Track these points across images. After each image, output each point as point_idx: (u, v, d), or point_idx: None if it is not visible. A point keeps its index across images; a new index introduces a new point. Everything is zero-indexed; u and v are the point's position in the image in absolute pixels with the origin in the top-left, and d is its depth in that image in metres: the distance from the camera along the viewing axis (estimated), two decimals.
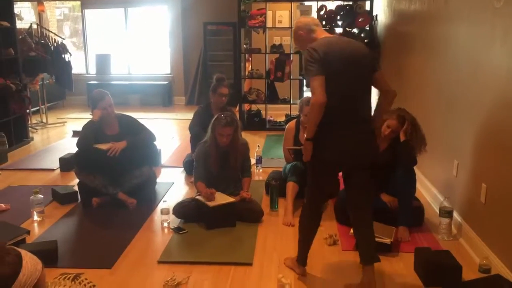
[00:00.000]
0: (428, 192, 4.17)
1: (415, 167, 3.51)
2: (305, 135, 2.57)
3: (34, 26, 8.04)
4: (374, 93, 2.68)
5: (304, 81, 7.37)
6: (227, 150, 3.76)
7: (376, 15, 6.78)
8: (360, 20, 6.50)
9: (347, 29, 6.67)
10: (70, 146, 5.79)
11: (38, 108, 7.90)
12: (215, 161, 3.75)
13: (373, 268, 2.65)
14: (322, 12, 6.61)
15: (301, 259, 2.87)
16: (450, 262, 2.76)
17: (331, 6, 6.71)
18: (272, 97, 7.31)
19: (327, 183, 2.75)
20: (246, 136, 5.43)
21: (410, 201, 3.47)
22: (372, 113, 2.68)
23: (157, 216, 3.82)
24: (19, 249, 1.33)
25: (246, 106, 7.49)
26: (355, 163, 2.62)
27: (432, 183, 4.13)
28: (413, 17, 5.03)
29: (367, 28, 6.61)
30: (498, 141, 2.86)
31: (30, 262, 1.30)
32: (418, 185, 3.76)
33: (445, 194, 3.57)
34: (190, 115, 5.27)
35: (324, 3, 6.74)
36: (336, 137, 2.52)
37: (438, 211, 3.45)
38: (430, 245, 3.17)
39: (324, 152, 2.55)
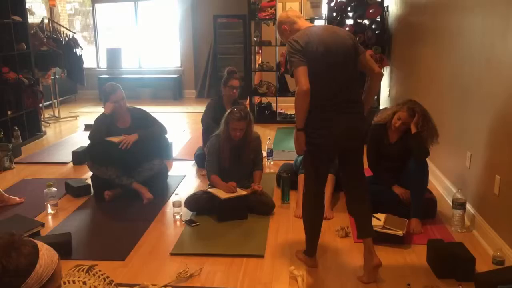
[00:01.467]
0: (441, 184, 4.14)
1: (427, 159, 3.49)
2: (296, 126, 2.61)
3: (46, 20, 8.08)
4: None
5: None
6: (240, 144, 3.76)
7: (388, 6, 6.71)
8: (371, 11, 6.43)
9: (358, 20, 6.61)
10: (82, 139, 5.83)
11: (50, 102, 7.96)
12: (227, 155, 3.76)
13: (371, 242, 2.70)
14: (332, 4, 6.56)
15: (310, 250, 2.88)
16: (463, 254, 2.75)
17: None
18: (283, 90, 7.30)
19: (324, 168, 2.79)
20: (256, 129, 5.41)
21: (423, 193, 3.45)
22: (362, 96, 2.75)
23: (169, 208, 3.85)
24: (35, 241, 1.35)
25: (256, 99, 7.48)
26: (348, 144, 2.67)
27: (445, 174, 4.10)
28: (425, 8, 4.97)
29: (378, 19, 6.55)
30: None
31: (46, 254, 1.32)
32: (430, 177, 3.73)
33: (458, 186, 3.54)
34: (200, 108, 5.27)
35: None
36: (326, 122, 2.58)
37: (451, 203, 3.43)
38: (443, 237, 3.15)
39: (318, 138, 2.60)
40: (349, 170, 2.80)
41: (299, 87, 2.50)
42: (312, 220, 2.82)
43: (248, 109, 4.70)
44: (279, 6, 6.90)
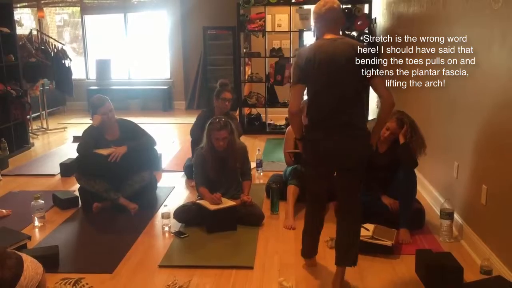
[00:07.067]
0: (429, 194, 4.17)
1: (415, 169, 3.51)
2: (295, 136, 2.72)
3: (34, 32, 8.06)
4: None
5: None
6: (225, 155, 3.76)
7: (375, 18, 6.79)
8: (359, 23, 6.50)
9: (346, 32, 6.67)
10: (70, 151, 5.79)
11: (38, 113, 7.90)
12: (213, 166, 3.75)
13: (343, 270, 2.67)
14: None
15: (305, 252, 2.95)
16: (452, 263, 2.76)
17: None
18: (272, 101, 7.32)
19: (317, 182, 2.80)
20: (246, 140, 5.42)
21: (411, 203, 3.47)
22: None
23: (158, 220, 3.82)
24: (20, 253, 1.33)
25: (246, 110, 7.50)
26: (334, 165, 2.68)
27: (433, 185, 4.13)
28: (411, 20, 5.04)
29: (366, 31, 6.62)
30: (498, 142, 2.86)
31: (31, 266, 1.31)
32: (418, 187, 3.75)
33: (445, 196, 3.57)
34: (190, 120, 5.27)
35: None
36: (315, 141, 2.61)
37: (439, 213, 3.45)
38: (431, 247, 3.16)
39: (306, 154, 2.70)
40: (339, 190, 2.76)
41: (289, 108, 2.59)
42: (309, 225, 2.88)
43: (238, 120, 4.71)
44: (268, 18, 6.95)
